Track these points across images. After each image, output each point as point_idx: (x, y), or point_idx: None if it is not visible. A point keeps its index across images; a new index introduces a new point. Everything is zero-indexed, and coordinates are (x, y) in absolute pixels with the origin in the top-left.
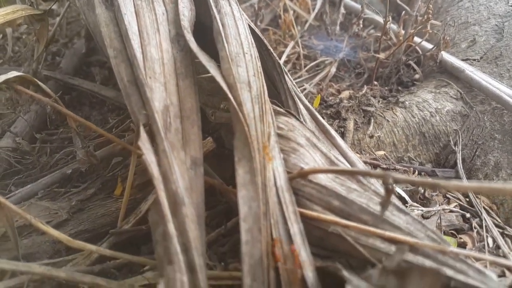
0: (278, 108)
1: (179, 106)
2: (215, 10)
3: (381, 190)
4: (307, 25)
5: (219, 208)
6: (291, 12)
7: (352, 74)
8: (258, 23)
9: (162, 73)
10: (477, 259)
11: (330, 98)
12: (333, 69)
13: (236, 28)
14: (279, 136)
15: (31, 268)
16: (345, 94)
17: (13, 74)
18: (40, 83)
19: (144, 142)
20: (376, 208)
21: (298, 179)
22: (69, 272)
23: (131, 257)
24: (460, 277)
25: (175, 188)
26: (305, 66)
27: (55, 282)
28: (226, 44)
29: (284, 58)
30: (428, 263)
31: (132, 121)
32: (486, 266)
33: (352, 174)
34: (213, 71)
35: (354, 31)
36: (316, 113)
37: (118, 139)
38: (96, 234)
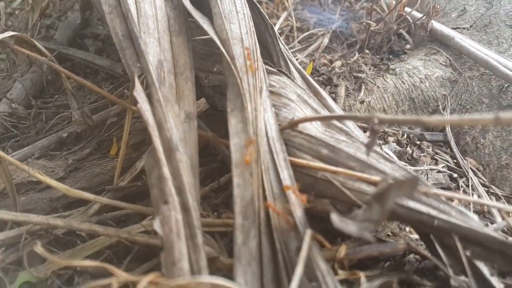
0: (270, 68)
1: (173, 62)
2: None
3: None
4: None
5: (213, 166)
6: None
7: (344, 45)
8: None
9: (156, 29)
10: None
11: (322, 67)
12: (326, 40)
13: None
14: (271, 92)
15: (30, 218)
16: (337, 64)
17: (9, 33)
18: (36, 42)
19: (139, 92)
20: (363, 157)
21: (289, 131)
22: (66, 221)
23: (128, 205)
24: (443, 216)
25: (169, 135)
26: (297, 37)
27: (52, 236)
28: (219, 1)
29: (276, 29)
30: (412, 204)
31: (126, 87)
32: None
33: (339, 118)
34: (206, 26)
35: (347, 3)
36: (307, 75)
37: (113, 96)
38: (93, 192)
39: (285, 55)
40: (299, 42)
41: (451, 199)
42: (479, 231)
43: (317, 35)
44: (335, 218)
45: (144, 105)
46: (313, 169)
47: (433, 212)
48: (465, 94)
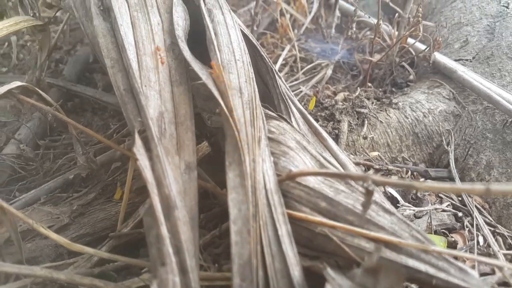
0: (270, 112)
1: (173, 113)
2: (208, 20)
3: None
4: (303, 28)
5: (215, 211)
6: (288, 16)
7: (348, 75)
8: (255, 28)
9: (157, 81)
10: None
11: (326, 100)
12: (329, 72)
13: (228, 36)
14: (270, 139)
15: (33, 271)
16: (341, 96)
17: (15, 84)
18: (41, 92)
19: (138, 148)
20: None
21: (287, 182)
22: (69, 274)
23: (129, 259)
24: (442, 275)
25: (168, 192)
26: (302, 69)
27: (56, 285)
28: (218, 52)
29: (280, 61)
30: (411, 262)
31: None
32: (474, 266)
33: (333, 176)
34: (205, 78)
35: (349, 34)
36: (309, 116)
37: (117, 145)
38: (96, 237)
39: (285, 98)
40: (303, 73)
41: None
42: None
43: (321, 65)
44: (331, 278)
45: (143, 162)
46: (312, 223)
47: (432, 271)
48: (469, 128)
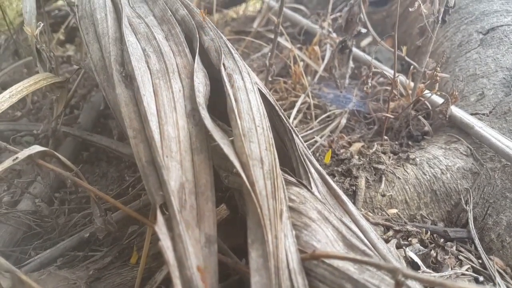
0: (289, 177)
1: (194, 182)
2: (228, 85)
3: (395, 264)
4: (317, 77)
5: (232, 280)
6: (301, 63)
7: (362, 124)
8: (269, 79)
9: (179, 151)
10: None
11: (341, 150)
12: (343, 121)
13: (248, 102)
14: (291, 209)
15: None
16: (356, 146)
17: (35, 149)
18: (61, 157)
19: (160, 227)
20: None
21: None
22: None
23: None
24: None
25: (189, 275)
26: (315, 116)
27: None
28: (239, 121)
29: (295, 111)
30: None
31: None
32: None
33: (361, 263)
34: (226, 149)
35: (365, 90)
36: (328, 178)
37: (136, 213)
38: None
39: (304, 159)
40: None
41: None
42: None
43: (335, 114)
44: None
45: (165, 243)
46: None
47: None
48: (488, 187)
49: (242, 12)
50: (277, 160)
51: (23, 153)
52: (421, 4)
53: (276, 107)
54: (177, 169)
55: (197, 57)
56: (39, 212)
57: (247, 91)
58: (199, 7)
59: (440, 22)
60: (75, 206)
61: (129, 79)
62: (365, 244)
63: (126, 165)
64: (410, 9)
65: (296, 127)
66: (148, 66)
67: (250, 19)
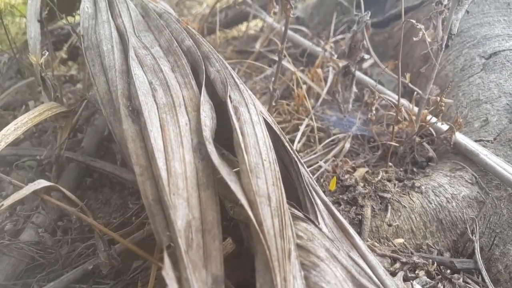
0: (296, 212)
1: (200, 219)
2: (234, 118)
3: None
4: (320, 100)
5: None
6: (304, 85)
7: (366, 148)
8: (273, 103)
9: (185, 188)
10: None
11: (346, 176)
12: (347, 145)
13: (255, 136)
14: (299, 246)
15: None
16: (361, 171)
17: (41, 184)
18: (67, 192)
19: (168, 271)
20: None
21: None
22: None
23: None
24: None
25: None
26: (319, 139)
27: None
28: (246, 156)
29: (299, 136)
30: None
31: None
32: None
33: None
34: (234, 186)
35: (369, 117)
36: (334, 210)
37: (141, 250)
38: None
39: (309, 189)
40: (319, 143)
41: None
42: None
43: (338, 137)
44: None
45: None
46: None
47: None
48: (494, 216)
49: (244, 31)
50: (284, 195)
51: (28, 189)
52: (425, 33)
53: (281, 137)
54: (184, 207)
55: (203, 89)
56: (42, 243)
57: (253, 124)
58: (201, 27)
59: (444, 47)
60: (78, 236)
61: (136, 113)
62: (374, 283)
63: (129, 192)
64: (414, 39)
65: (300, 151)
66: (155, 100)
67: (252, 38)
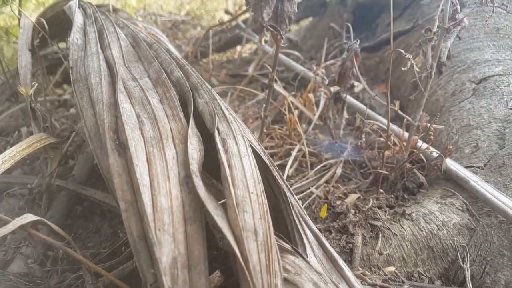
0: (284, 244)
1: (186, 255)
2: (222, 151)
3: None
4: (312, 125)
5: None
6: (296, 110)
7: (357, 173)
8: (265, 130)
9: (171, 223)
10: None
11: (337, 202)
12: (339, 171)
13: (242, 169)
14: (286, 281)
15: None
16: (352, 198)
17: (28, 219)
18: (54, 226)
19: None
20: None
21: None
22: None
23: None
24: None
25: None
26: (311, 164)
27: None
28: (232, 189)
29: (291, 161)
30: None
31: None
32: None
33: None
34: (220, 221)
35: (359, 144)
36: (324, 240)
37: (126, 286)
38: None
39: (299, 220)
40: (311, 168)
41: None
42: None
43: (330, 162)
44: None
45: None
46: None
47: None
48: (484, 244)
49: (237, 54)
50: (271, 228)
51: (15, 224)
52: (413, 63)
53: (271, 167)
54: (169, 243)
55: (191, 121)
56: (31, 274)
57: (241, 156)
58: (195, 50)
59: (434, 74)
60: (68, 266)
61: (123, 147)
62: None
63: (119, 220)
64: (403, 68)
65: (292, 176)
66: (142, 134)
67: (246, 61)
